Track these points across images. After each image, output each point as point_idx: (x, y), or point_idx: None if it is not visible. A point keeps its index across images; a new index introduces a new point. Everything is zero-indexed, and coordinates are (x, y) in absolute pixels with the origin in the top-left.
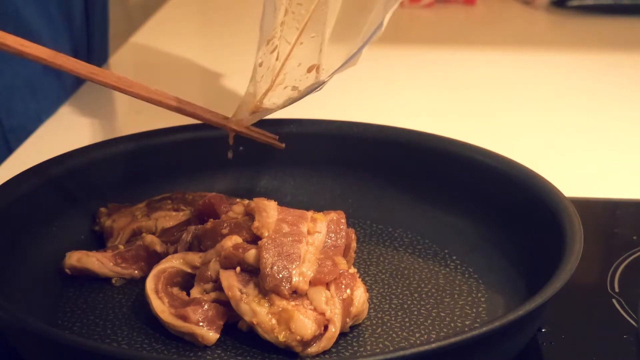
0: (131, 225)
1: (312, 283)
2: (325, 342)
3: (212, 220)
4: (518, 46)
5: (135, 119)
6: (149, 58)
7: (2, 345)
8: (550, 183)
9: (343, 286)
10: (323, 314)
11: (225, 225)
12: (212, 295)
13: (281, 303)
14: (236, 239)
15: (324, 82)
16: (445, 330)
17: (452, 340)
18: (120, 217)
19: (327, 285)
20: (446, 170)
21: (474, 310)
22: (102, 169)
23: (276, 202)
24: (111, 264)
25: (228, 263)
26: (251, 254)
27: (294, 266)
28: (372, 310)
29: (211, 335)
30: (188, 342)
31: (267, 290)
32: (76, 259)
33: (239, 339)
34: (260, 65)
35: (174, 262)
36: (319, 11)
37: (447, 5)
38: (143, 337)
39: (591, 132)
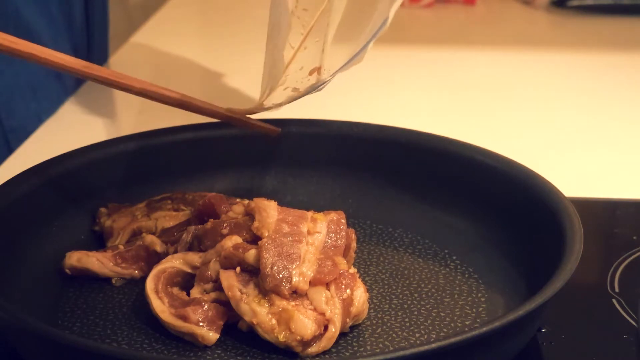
0: (131, 225)
1: (312, 283)
2: (325, 342)
3: (212, 220)
4: (518, 46)
5: (135, 119)
6: (149, 58)
7: (2, 345)
8: (550, 183)
9: (343, 286)
10: (323, 314)
11: (225, 225)
12: (212, 295)
13: (281, 303)
14: (236, 239)
15: (327, 81)
16: (445, 330)
17: (452, 340)
18: (120, 217)
19: (327, 285)
20: (446, 170)
21: (474, 310)
22: (102, 169)
23: (276, 202)
24: (111, 264)
25: (228, 263)
26: (251, 254)
27: (294, 266)
28: (372, 310)
29: (211, 335)
30: (188, 342)
31: (267, 290)
32: (76, 259)
33: (239, 339)
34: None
35: (174, 262)
36: (324, 16)
37: (447, 5)
38: (143, 337)
39: (591, 132)
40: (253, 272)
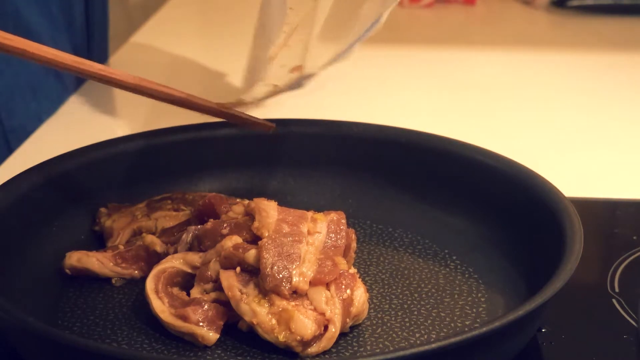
0: (131, 225)
1: (312, 283)
2: (325, 342)
3: (212, 220)
4: (518, 46)
5: (135, 119)
6: (149, 58)
7: (2, 345)
8: (550, 183)
9: (343, 286)
10: (323, 314)
11: (225, 225)
12: (212, 295)
13: (281, 303)
14: (236, 239)
15: (308, 79)
16: (445, 330)
17: (452, 340)
18: (120, 217)
19: (327, 286)
20: (446, 170)
21: (474, 310)
22: (102, 169)
23: (276, 202)
24: (111, 264)
25: (228, 263)
26: (251, 254)
27: (294, 266)
28: (372, 310)
29: (211, 336)
30: (188, 342)
31: (267, 290)
32: (76, 259)
33: (239, 339)
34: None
35: (174, 262)
36: (309, 16)
37: (447, 5)
38: (143, 337)
39: (591, 132)
40: (253, 272)
